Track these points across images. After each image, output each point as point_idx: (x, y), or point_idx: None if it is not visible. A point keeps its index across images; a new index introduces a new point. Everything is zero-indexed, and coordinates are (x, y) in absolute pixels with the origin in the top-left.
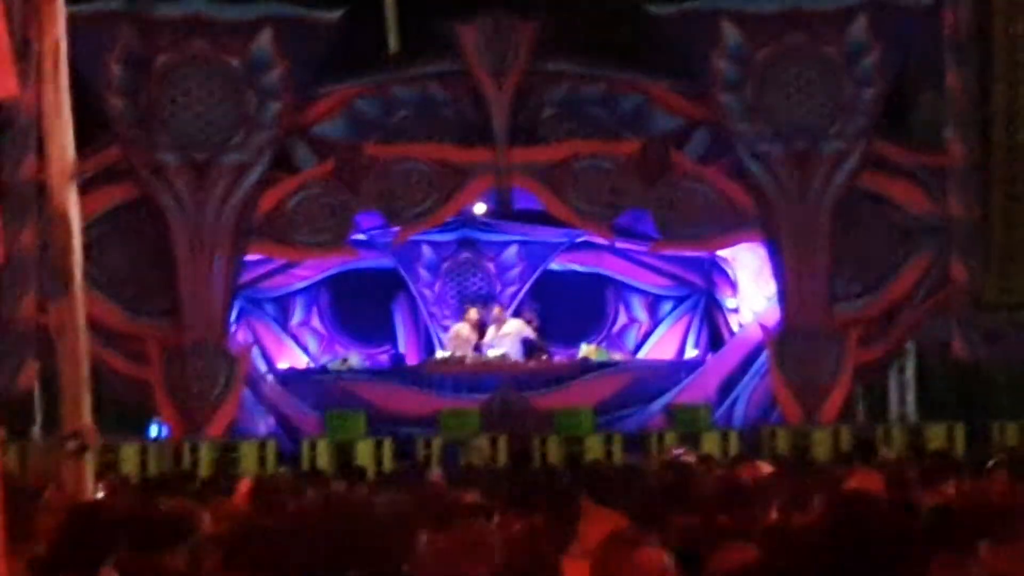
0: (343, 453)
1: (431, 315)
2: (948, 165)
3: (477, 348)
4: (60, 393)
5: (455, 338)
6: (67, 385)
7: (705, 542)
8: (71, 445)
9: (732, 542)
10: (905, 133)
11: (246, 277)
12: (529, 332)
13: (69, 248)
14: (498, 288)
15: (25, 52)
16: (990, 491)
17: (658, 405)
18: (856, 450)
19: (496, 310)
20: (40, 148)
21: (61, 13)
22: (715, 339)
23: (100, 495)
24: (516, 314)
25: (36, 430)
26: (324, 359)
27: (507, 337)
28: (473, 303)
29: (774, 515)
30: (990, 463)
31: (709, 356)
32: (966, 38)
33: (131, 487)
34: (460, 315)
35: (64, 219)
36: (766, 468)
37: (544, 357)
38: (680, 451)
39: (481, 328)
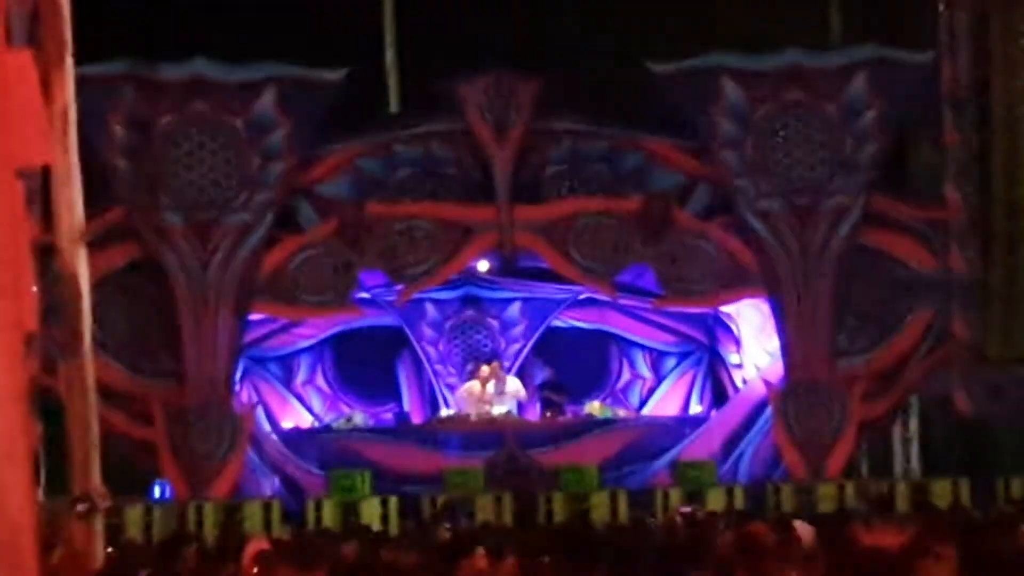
0: (348, 512)
1: (436, 373)
2: (948, 220)
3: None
4: (67, 455)
5: (467, 396)
6: (76, 447)
7: None
8: (80, 508)
9: None
10: (905, 188)
11: (250, 337)
12: (523, 395)
13: (79, 310)
14: (502, 345)
15: None
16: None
17: (663, 462)
18: (874, 507)
19: (494, 366)
20: (46, 210)
21: (70, 78)
22: (719, 395)
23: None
24: (521, 372)
25: (40, 492)
26: (328, 418)
27: (507, 395)
28: (477, 360)
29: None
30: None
31: (713, 412)
32: (965, 94)
33: (140, 550)
34: (464, 372)
35: (74, 281)
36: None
37: (562, 413)
38: (688, 509)
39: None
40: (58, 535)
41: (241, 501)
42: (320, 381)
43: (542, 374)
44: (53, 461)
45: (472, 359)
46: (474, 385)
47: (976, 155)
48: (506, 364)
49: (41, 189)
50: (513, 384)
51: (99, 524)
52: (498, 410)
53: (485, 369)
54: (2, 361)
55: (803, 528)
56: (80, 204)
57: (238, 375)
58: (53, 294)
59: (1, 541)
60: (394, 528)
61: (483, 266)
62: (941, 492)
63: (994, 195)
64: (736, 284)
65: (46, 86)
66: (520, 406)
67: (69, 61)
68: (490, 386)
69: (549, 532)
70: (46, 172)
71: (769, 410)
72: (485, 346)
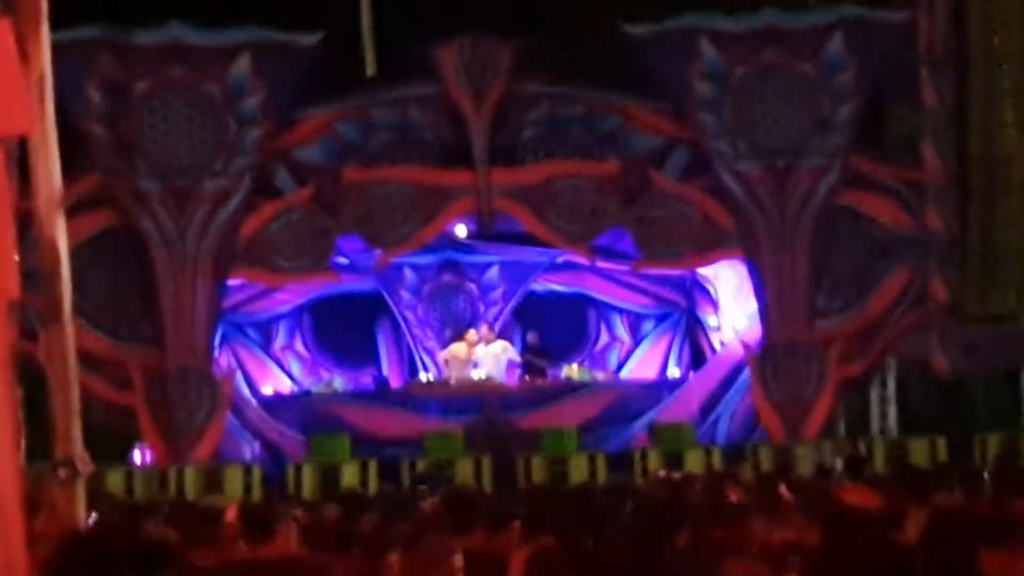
0: (328, 476)
1: (414, 337)
2: (925, 180)
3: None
4: (49, 421)
5: (452, 359)
6: (58, 413)
7: (707, 560)
8: (62, 473)
9: (735, 560)
10: (882, 148)
11: (228, 302)
12: (514, 355)
13: (58, 277)
14: (481, 309)
15: None
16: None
17: (641, 424)
18: (846, 467)
19: (484, 328)
20: (23, 177)
21: (46, 45)
22: (697, 357)
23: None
24: (501, 335)
25: (22, 458)
26: (308, 383)
27: (492, 357)
28: (457, 324)
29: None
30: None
31: (691, 374)
32: (942, 53)
33: (120, 513)
34: (443, 337)
35: (52, 248)
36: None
37: (544, 377)
38: (663, 474)
39: None
40: (40, 500)
41: (222, 465)
42: (299, 346)
43: (527, 337)
44: (34, 427)
45: (451, 323)
46: (459, 348)
47: (953, 115)
48: (484, 328)
49: (18, 156)
50: (499, 346)
51: (81, 489)
52: (478, 374)
53: (472, 333)
54: None
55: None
56: (57, 171)
57: (217, 340)
58: (31, 261)
59: None
60: (374, 491)
61: (461, 230)
62: (919, 451)
63: (971, 155)
64: (714, 246)
65: (23, 53)
66: (509, 367)
67: (45, 28)
68: (479, 348)
69: (527, 494)
70: (23, 139)
71: (747, 372)
72: (464, 310)
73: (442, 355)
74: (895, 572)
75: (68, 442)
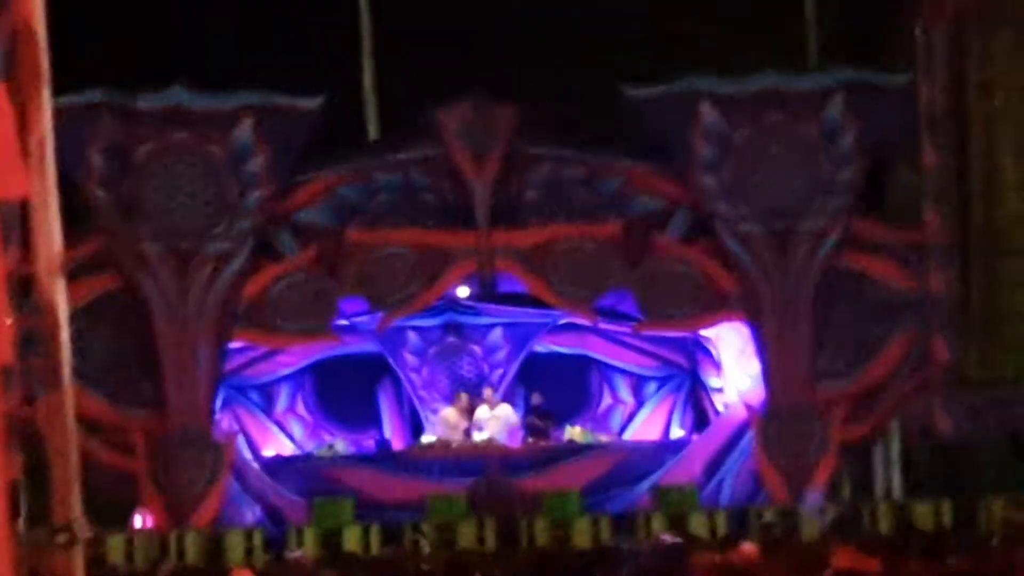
0: (330, 540)
1: (420, 399)
2: (927, 242)
3: (467, 433)
4: (48, 486)
5: (443, 423)
6: (57, 478)
7: None
8: (61, 538)
9: None
10: (884, 210)
11: (230, 365)
12: (517, 420)
13: (58, 341)
14: (486, 370)
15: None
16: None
17: (644, 486)
18: (839, 528)
19: (488, 392)
20: (24, 241)
21: (47, 108)
22: (700, 419)
23: None
24: (505, 398)
25: (21, 523)
26: (310, 446)
27: (496, 420)
28: (464, 386)
29: None
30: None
31: (694, 436)
32: (942, 115)
33: None
34: (450, 398)
35: (52, 312)
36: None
37: (546, 439)
38: (667, 538)
39: (471, 413)
40: (40, 567)
41: (223, 530)
42: (301, 409)
43: (530, 399)
44: (34, 492)
45: (458, 385)
46: (450, 413)
47: (954, 177)
48: (487, 391)
49: (20, 219)
50: (504, 410)
51: (79, 555)
52: (480, 436)
53: (464, 398)
54: None
55: (749, 548)
56: (58, 234)
57: (219, 404)
58: (32, 325)
59: None
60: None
61: (463, 292)
62: (923, 514)
63: (973, 217)
64: (716, 308)
65: (24, 117)
66: (529, 426)
67: (46, 91)
68: (483, 411)
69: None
70: (24, 203)
71: (750, 434)
72: (470, 372)
73: (436, 420)
74: None
75: (67, 507)
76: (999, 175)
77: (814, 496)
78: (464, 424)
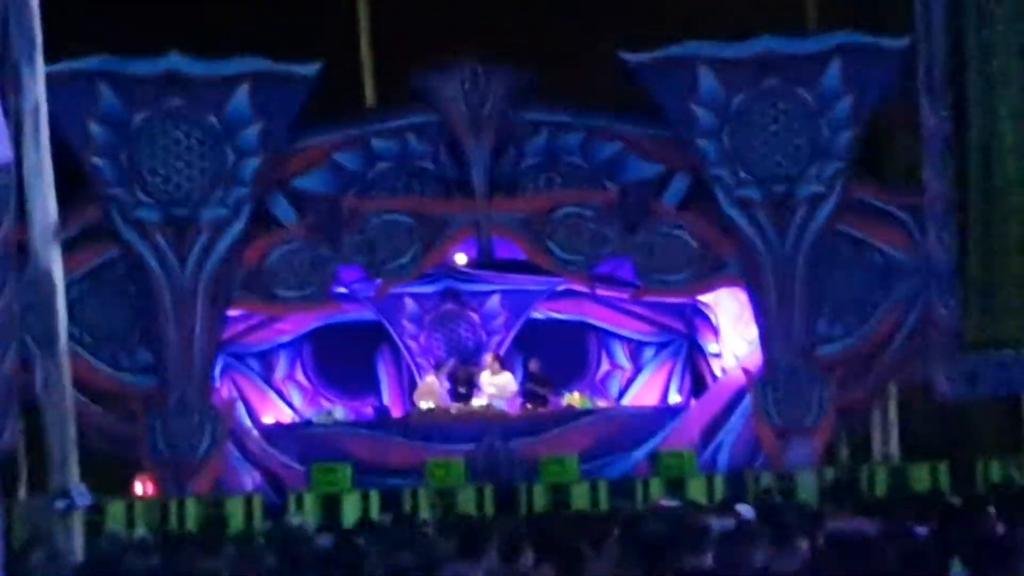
0: (329, 506)
1: (418, 366)
2: (925, 206)
3: (465, 398)
4: (47, 452)
5: (427, 392)
6: (54, 444)
7: None
8: (59, 504)
9: None
10: (882, 174)
11: (229, 332)
12: (515, 389)
13: (53, 308)
14: (484, 337)
15: (5, 112)
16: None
17: (642, 452)
18: (837, 492)
19: (490, 357)
20: (20, 208)
21: (41, 75)
22: (698, 384)
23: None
24: (503, 364)
25: (22, 489)
26: (309, 413)
27: (495, 388)
28: (462, 353)
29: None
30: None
31: (692, 401)
32: (940, 79)
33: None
34: (448, 365)
35: (48, 279)
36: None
37: (545, 406)
38: (666, 502)
39: (467, 379)
40: (38, 532)
41: (223, 497)
42: (300, 376)
43: (528, 366)
44: (33, 458)
45: (456, 352)
46: (432, 381)
47: (953, 140)
48: (488, 356)
49: (16, 188)
50: (506, 378)
51: (78, 521)
52: (479, 401)
53: (449, 363)
54: None
55: (746, 511)
56: (52, 202)
57: (218, 371)
58: (30, 292)
59: None
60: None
61: (461, 259)
62: (920, 476)
63: (971, 180)
64: (714, 273)
65: (17, 84)
66: (528, 392)
67: (39, 59)
68: (485, 376)
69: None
70: (20, 171)
71: (748, 398)
72: (467, 339)
73: (418, 389)
74: None
75: (65, 473)
76: (998, 138)
77: (747, 509)
78: (444, 391)
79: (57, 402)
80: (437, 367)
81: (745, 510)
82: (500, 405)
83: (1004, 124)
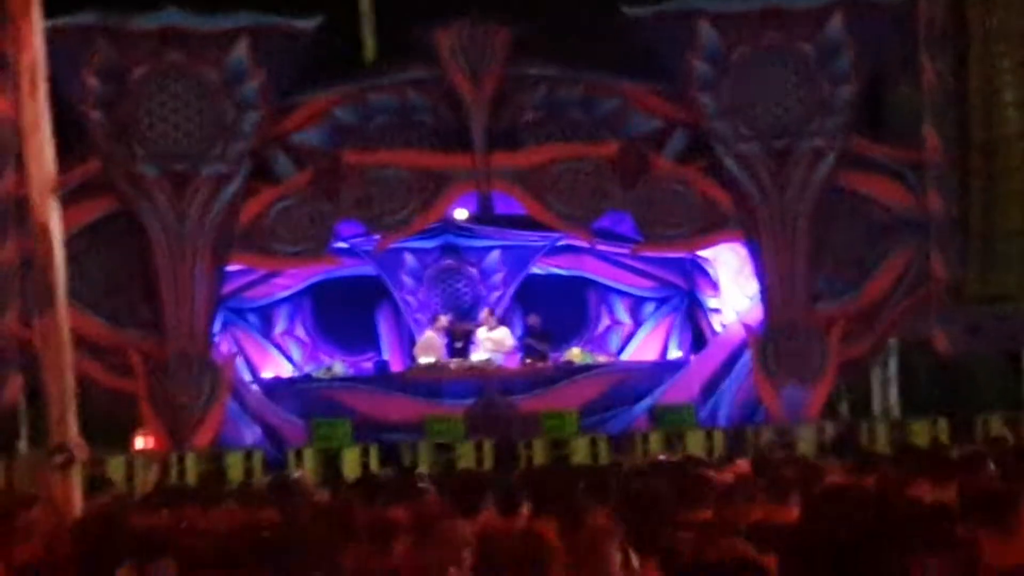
0: (329, 461)
1: (416, 322)
2: (926, 161)
3: (461, 353)
4: (46, 407)
5: (426, 347)
6: (53, 399)
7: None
8: (58, 459)
9: (723, 539)
10: (882, 129)
11: (228, 287)
12: (512, 344)
13: (52, 263)
14: (483, 293)
15: (2, 67)
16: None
17: (642, 406)
18: (832, 447)
19: (485, 313)
20: (19, 163)
21: (39, 28)
22: (698, 339)
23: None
24: (502, 319)
25: (22, 444)
26: (308, 368)
27: (491, 343)
28: (460, 308)
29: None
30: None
31: (692, 356)
32: (941, 33)
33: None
34: (452, 321)
35: (46, 234)
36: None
37: (545, 361)
38: (663, 457)
39: (464, 334)
40: (37, 486)
41: (222, 451)
42: (299, 331)
43: (528, 321)
44: (33, 413)
45: (453, 307)
46: (431, 336)
47: (953, 95)
48: (484, 312)
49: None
50: (502, 332)
51: (77, 476)
52: (478, 356)
53: (443, 319)
54: None
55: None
56: (51, 156)
57: (217, 326)
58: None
59: None
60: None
61: (461, 214)
62: (920, 431)
63: (971, 134)
64: (714, 228)
65: (16, 38)
66: (526, 347)
67: (37, 12)
68: (482, 332)
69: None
70: (19, 126)
71: (748, 354)
72: (466, 294)
73: (418, 344)
74: (874, 549)
75: (64, 428)
76: (998, 93)
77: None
78: (443, 345)
79: (56, 357)
80: (432, 322)
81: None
82: (498, 360)
83: (1005, 78)
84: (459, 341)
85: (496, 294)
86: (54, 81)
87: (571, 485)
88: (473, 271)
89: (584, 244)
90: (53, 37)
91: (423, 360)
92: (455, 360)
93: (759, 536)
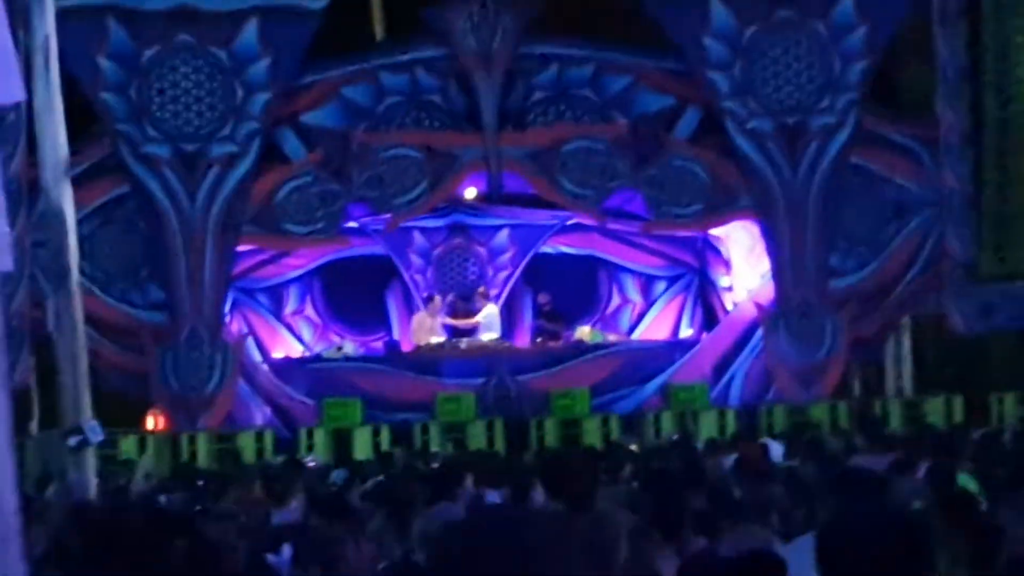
0: (340, 441)
1: (424, 300)
2: (939, 137)
3: (465, 334)
4: (58, 388)
5: (418, 328)
6: (66, 380)
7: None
8: (72, 441)
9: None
10: (895, 106)
11: (238, 268)
12: (494, 322)
13: (64, 244)
14: (490, 273)
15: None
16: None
17: (653, 385)
18: (861, 429)
19: (480, 290)
20: (31, 144)
21: (50, 10)
22: (709, 318)
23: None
24: (511, 299)
25: (33, 425)
26: (319, 347)
27: (483, 319)
28: (466, 288)
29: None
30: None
31: (704, 335)
32: (954, 10)
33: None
34: (453, 301)
35: (58, 215)
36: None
37: (557, 341)
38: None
39: (466, 315)
40: (50, 467)
41: (234, 431)
42: (310, 311)
43: (539, 299)
44: (45, 394)
45: (460, 287)
46: (423, 317)
47: (966, 72)
48: (493, 292)
49: (27, 125)
50: (490, 310)
51: (91, 457)
52: (488, 336)
53: (437, 300)
54: None
55: (773, 446)
56: (63, 139)
57: (228, 306)
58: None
59: None
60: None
61: (470, 193)
62: (935, 410)
63: (985, 112)
64: (726, 207)
65: (26, 20)
66: (538, 327)
67: None
68: (488, 309)
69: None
70: (31, 108)
71: (760, 332)
72: (473, 274)
73: (411, 327)
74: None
75: (77, 409)
76: (1012, 70)
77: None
78: (438, 326)
79: (69, 338)
80: (427, 302)
81: (776, 448)
82: (490, 335)
83: (1019, 54)
84: (461, 321)
85: (504, 274)
86: (64, 62)
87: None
88: (481, 250)
89: (594, 223)
90: (64, 19)
91: (422, 341)
92: (465, 339)
93: None
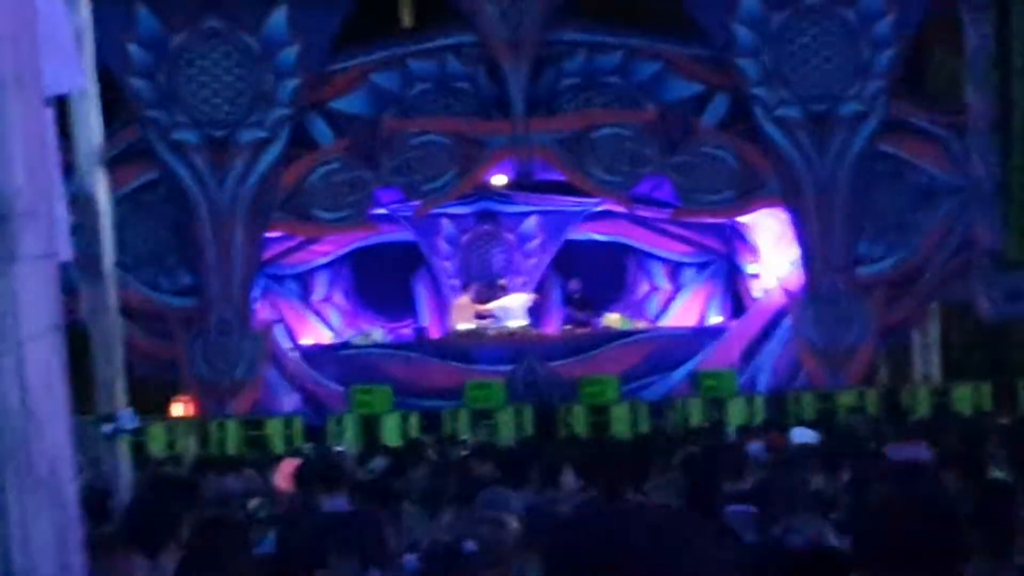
0: (369, 428)
1: (452, 288)
2: (968, 124)
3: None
4: (88, 376)
5: (457, 313)
6: (100, 368)
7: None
8: (106, 429)
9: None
10: (923, 93)
11: (267, 254)
12: (524, 303)
13: (99, 231)
14: (519, 259)
15: None
16: None
17: (682, 372)
18: (889, 417)
19: (501, 282)
20: (64, 131)
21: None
22: (737, 305)
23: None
24: (540, 286)
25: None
26: (347, 334)
27: (508, 309)
28: (494, 275)
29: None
30: None
31: (732, 322)
32: None
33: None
34: (481, 287)
35: (93, 203)
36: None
37: (586, 328)
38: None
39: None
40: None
41: (262, 418)
42: (338, 297)
43: (569, 286)
44: (77, 382)
45: (488, 274)
46: (464, 300)
47: (995, 59)
48: (521, 279)
49: (58, 111)
50: (517, 299)
51: (125, 445)
52: (516, 323)
53: (474, 287)
54: (38, 292)
55: (805, 434)
56: (99, 126)
57: (257, 292)
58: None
59: (42, 473)
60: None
61: (499, 180)
62: (963, 397)
63: (1014, 99)
64: (754, 194)
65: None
66: (539, 319)
67: None
68: (512, 298)
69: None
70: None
71: (788, 319)
72: (502, 260)
73: (451, 309)
74: (938, 521)
75: (111, 397)
76: None
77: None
78: (473, 311)
79: (104, 326)
80: (464, 288)
81: (808, 435)
82: (519, 321)
83: None
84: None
85: (533, 261)
86: (95, 49)
87: (614, 457)
88: (510, 237)
89: (623, 210)
90: (94, 6)
91: (460, 326)
92: (494, 326)
93: None
